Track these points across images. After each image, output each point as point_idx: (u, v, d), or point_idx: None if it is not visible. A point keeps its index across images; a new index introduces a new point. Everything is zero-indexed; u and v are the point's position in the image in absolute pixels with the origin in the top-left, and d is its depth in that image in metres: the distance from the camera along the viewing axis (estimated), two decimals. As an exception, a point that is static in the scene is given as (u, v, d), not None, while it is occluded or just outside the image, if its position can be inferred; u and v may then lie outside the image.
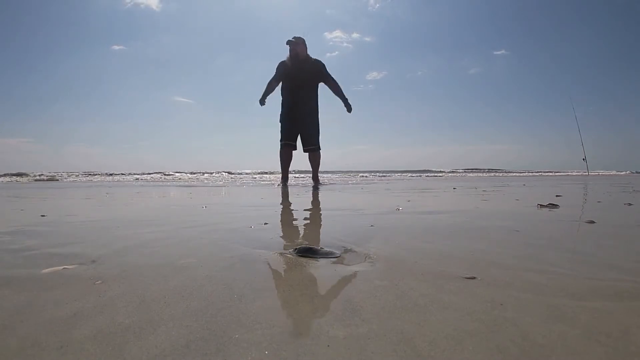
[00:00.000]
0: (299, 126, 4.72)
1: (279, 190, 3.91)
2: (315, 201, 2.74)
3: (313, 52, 4.86)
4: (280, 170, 4.99)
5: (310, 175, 5.24)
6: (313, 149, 4.78)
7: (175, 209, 2.22)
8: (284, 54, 4.87)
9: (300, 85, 4.66)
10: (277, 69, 4.78)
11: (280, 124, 4.78)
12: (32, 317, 0.56)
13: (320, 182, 5.15)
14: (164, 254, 0.96)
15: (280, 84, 4.79)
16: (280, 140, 4.76)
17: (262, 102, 4.78)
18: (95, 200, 2.94)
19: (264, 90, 4.79)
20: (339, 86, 4.79)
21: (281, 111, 4.78)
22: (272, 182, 6.12)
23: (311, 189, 4.22)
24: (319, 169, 5.00)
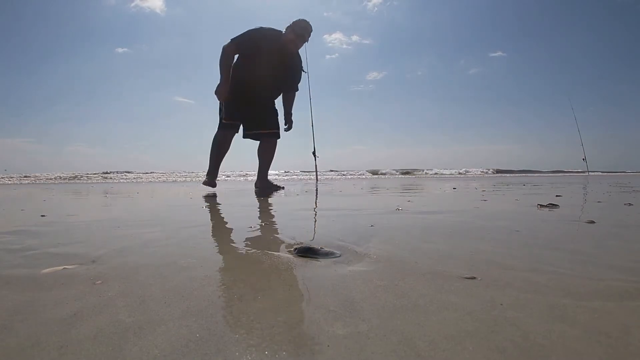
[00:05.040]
0: (252, 109, 3.47)
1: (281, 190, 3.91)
2: (316, 201, 2.74)
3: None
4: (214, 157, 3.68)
5: (256, 175, 3.83)
6: (272, 135, 3.50)
7: (178, 207, 2.22)
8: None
9: (275, 75, 3.48)
10: (249, 34, 3.33)
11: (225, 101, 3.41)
12: (32, 317, 0.56)
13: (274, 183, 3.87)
14: (164, 254, 0.96)
15: (247, 54, 3.38)
16: (223, 120, 3.46)
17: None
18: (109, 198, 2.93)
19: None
20: (293, 100, 3.76)
21: (233, 86, 3.34)
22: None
23: (312, 189, 4.20)
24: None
